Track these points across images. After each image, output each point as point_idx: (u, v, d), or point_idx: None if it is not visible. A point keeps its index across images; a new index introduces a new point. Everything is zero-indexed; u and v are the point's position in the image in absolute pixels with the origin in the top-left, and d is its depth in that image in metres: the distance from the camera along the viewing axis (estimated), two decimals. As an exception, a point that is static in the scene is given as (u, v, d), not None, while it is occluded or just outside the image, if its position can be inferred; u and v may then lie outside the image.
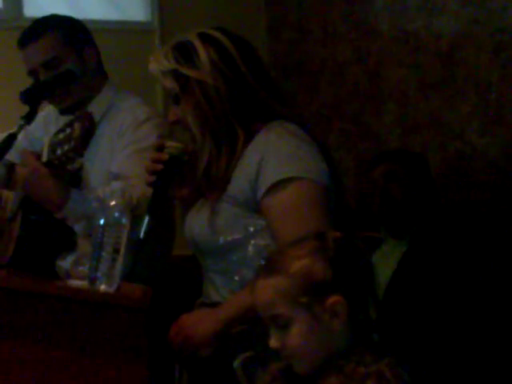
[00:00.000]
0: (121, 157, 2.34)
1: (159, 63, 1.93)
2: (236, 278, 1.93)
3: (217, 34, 1.95)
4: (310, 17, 3.79)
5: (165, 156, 1.94)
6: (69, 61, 2.38)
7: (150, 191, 2.11)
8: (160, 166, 1.94)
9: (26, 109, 2.21)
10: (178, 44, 1.94)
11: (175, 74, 1.92)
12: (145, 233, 1.86)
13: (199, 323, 1.90)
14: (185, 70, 1.91)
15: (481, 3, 3.19)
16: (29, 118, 2.17)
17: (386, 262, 2.80)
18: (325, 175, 1.90)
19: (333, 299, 1.51)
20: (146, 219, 1.88)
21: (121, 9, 3.81)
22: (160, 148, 1.97)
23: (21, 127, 2.15)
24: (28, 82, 2.43)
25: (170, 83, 1.93)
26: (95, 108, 2.37)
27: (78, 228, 2.15)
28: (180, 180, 1.98)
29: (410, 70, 3.43)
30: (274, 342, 1.56)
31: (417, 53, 3.39)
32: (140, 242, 1.83)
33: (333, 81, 3.69)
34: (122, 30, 3.73)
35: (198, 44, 1.92)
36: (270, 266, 1.58)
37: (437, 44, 3.32)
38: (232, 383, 1.78)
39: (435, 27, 3.32)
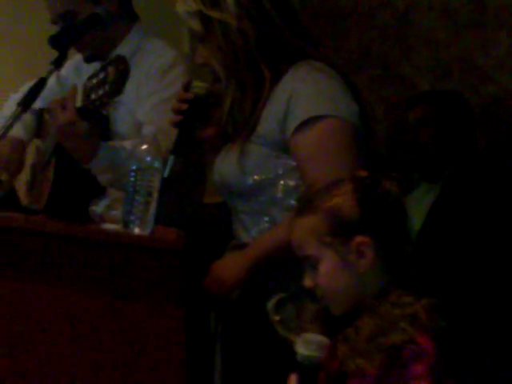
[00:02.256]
0: (147, 106, 2.33)
1: (185, 3, 1.92)
2: (265, 218, 1.93)
3: None
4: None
5: (190, 95, 1.94)
6: (85, 11, 2.35)
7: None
8: (185, 106, 1.93)
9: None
10: None
11: (200, 16, 1.91)
12: (169, 172, 1.87)
13: (230, 265, 1.91)
14: (209, 11, 1.89)
15: None
16: (58, 62, 2.16)
17: (419, 206, 2.78)
18: (355, 114, 1.88)
19: (359, 239, 1.52)
20: (171, 158, 1.89)
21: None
22: (186, 88, 1.96)
23: (50, 72, 2.14)
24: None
25: (195, 24, 1.92)
26: (122, 52, 2.34)
27: (102, 179, 2.16)
28: (205, 120, 1.97)
29: (440, 14, 3.37)
30: (307, 282, 1.58)
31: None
32: (165, 180, 1.82)
33: (362, 25, 3.64)
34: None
35: None
36: (304, 205, 1.58)
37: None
38: (266, 328, 1.79)
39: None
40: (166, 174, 1.86)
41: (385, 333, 1.46)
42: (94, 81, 2.00)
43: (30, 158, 2.53)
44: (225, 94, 1.92)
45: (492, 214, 2.68)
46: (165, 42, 2.46)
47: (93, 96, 2.00)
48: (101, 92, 1.96)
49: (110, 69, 1.94)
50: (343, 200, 1.53)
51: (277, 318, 1.76)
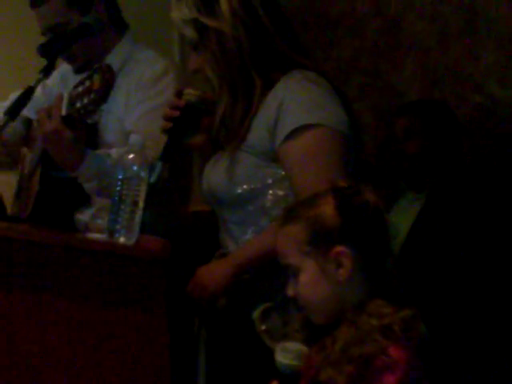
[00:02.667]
0: (135, 114, 2.33)
1: (180, 11, 1.93)
2: (253, 228, 1.93)
3: None
4: (328, -31, 3.73)
5: (182, 102, 1.94)
6: (74, 24, 2.35)
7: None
8: (176, 113, 1.94)
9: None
10: None
11: (195, 23, 1.91)
12: (156, 178, 1.87)
13: (213, 271, 1.91)
14: (204, 19, 1.90)
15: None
16: (46, 71, 2.16)
17: (405, 215, 2.78)
18: (344, 124, 1.89)
19: (337, 249, 1.52)
20: (159, 164, 1.89)
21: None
22: (178, 95, 1.97)
23: (39, 81, 2.15)
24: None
25: (189, 32, 1.93)
26: (112, 61, 2.34)
27: (88, 187, 2.15)
28: (196, 128, 1.98)
29: (429, 22, 3.37)
30: (289, 291, 1.58)
31: (439, 4, 3.33)
32: (151, 186, 1.82)
33: (351, 34, 3.65)
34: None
35: None
36: (288, 214, 1.59)
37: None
38: (250, 336, 1.80)
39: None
40: (152, 180, 1.85)
41: (358, 343, 1.46)
42: (80, 89, 2.00)
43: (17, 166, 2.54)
44: (217, 101, 1.93)
45: (476, 224, 2.68)
46: (155, 51, 2.47)
47: (78, 104, 1.99)
48: (86, 100, 1.96)
49: (96, 77, 1.94)
50: (323, 210, 1.53)
51: (263, 327, 1.76)
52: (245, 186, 1.91)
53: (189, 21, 1.92)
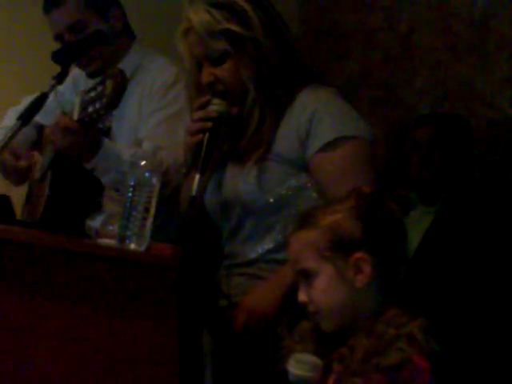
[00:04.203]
0: (151, 124, 2.33)
1: (207, 23, 1.92)
2: (279, 233, 1.94)
3: None
4: (341, -17, 3.75)
5: (213, 114, 1.94)
6: (93, 24, 2.36)
7: (177, 160, 2.17)
8: (209, 124, 1.94)
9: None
10: (221, 3, 1.94)
11: (226, 34, 1.92)
12: (196, 191, 1.88)
13: (265, 297, 1.89)
14: (238, 29, 1.91)
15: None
16: (60, 78, 2.17)
17: (415, 229, 2.78)
18: (372, 135, 1.95)
19: (358, 255, 1.52)
20: (197, 177, 1.89)
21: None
22: (203, 106, 1.97)
23: (52, 87, 2.15)
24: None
25: (217, 44, 1.93)
26: (123, 68, 2.34)
27: (106, 179, 2.15)
28: (226, 138, 1.98)
29: (441, 37, 3.37)
30: (301, 297, 1.57)
31: (449, 19, 3.34)
32: (193, 199, 1.87)
33: (363, 48, 3.65)
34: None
35: (244, 4, 1.93)
36: (304, 219, 1.59)
37: (470, 10, 3.26)
38: (258, 348, 1.83)
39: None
40: (193, 193, 1.88)
41: (381, 353, 1.46)
42: (92, 94, 2.00)
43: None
44: (250, 111, 1.95)
45: (487, 239, 2.67)
46: (166, 58, 2.47)
47: (90, 109, 2.00)
48: (98, 105, 1.96)
49: (108, 82, 1.94)
50: (345, 216, 1.54)
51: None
52: (277, 194, 1.93)
53: (218, 32, 1.92)
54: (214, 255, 2.13)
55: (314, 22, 3.83)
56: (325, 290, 1.55)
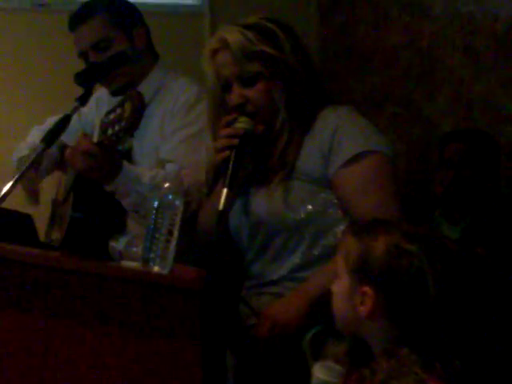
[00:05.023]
0: (172, 143, 2.33)
1: (242, 44, 1.95)
2: (315, 249, 1.96)
3: (280, 22, 2.01)
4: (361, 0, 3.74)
5: (240, 131, 1.95)
6: (118, 42, 2.37)
7: (199, 179, 2.17)
8: (236, 141, 1.95)
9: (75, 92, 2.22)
10: (253, 26, 1.97)
11: (260, 55, 1.95)
12: (224, 205, 1.88)
13: (290, 309, 1.90)
14: (272, 51, 1.94)
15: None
16: (83, 99, 2.18)
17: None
18: (393, 150, 1.98)
19: (365, 289, 1.51)
20: (225, 192, 1.90)
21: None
22: (230, 123, 1.97)
23: (75, 109, 2.16)
24: (79, 66, 2.43)
25: (251, 65, 1.95)
26: (146, 88, 2.36)
27: (127, 202, 2.15)
28: (252, 156, 1.98)
29: (463, 53, 3.36)
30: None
31: (471, 36, 3.32)
32: (221, 214, 1.87)
33: (384, 64, 3.64)
34: (171, 13, 3.72)
35: (273, 27, 1.97)
36: (358, 227, 1.58)
37: (492, 26, 3.24)
38: (285, 364, 1.82)
39: (491, 9, 3.24)
40: (220, 208, 1.88)
41: (398, 376, 1.44)
42: (111, 116, 2.01)
43: (52, 192, 2.54)
44: (280, 131, 1.97)
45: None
46: (188, 78, 2.47)
47: (109, 131, 2.01)
48: (117, 127, 1.97)
49: (127, 104, 1.95)
50: (377, 246, 1.51)
51: (310, 353, 1.73)
52: (302, 212, 1.94)
53: (252, 53, 1.95)
54: (236, 276, 2.12)
55: (333, 41, 3.82)
56: (337, 297, 1.57)
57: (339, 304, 1.57)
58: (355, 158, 1.92)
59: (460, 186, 2.86)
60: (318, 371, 1.54)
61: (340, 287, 1.56)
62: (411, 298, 1.48)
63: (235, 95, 1.98)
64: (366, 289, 1.51)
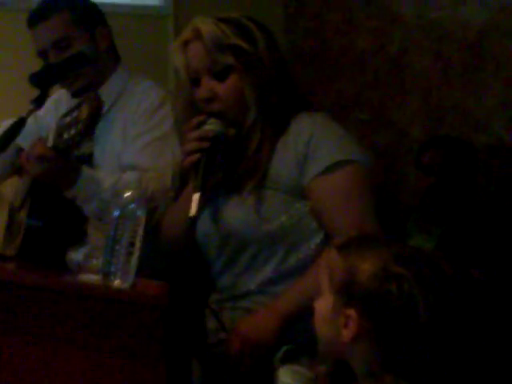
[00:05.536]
0: (136, 147, 2.26)
1: (215, 35, 1.89)
2: (288, 259, 1.89)
3: (255, 20, 1.95)
4: (329, 4, 3.69)
5: (210, 133, 1.88)
6: (80, 41, 2.29)
7: (164, 184, 2.10)
8: (206, 144, 1.87)
9: (31, 93, 2.13)
10: (228, 19, 1.92)
11: (233, 49, 1.89)
12: (196, 210, 1.81)
13: (261, 326, 1.83)
14: (246, 46, 1.89)
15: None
16: (39, 101, 2.10)
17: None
18: (371, 159, 1.92)
19: (349, 312, 1.41)
20: (198, 196, 1.82)
21: (134, -8, 3.73)
22: (199, 125, 1.91)
23: (30, 111, 2.09)
24: (36, 65, 2.34)
25: (223, 57, 1.89)
26: (108, 91, 2.29)
27: (89, 209, 2.07)
28: (218, 164, 1.91)
29: (433, 60, 3.32)
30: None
31: (441, 42, 3.29)
32: (193, 219, 1.81)
33: (352, 70, 3.60)
34: (135, 14, 3.65)
35: (249, 23, 1.92)
36: (344, 244, 1.47)
37: (463, 34, 3.21)
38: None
39: (462, 16, 3.21)
40: (192, 213, 1.81)
41: None
42: (68, 119, 1.94)
43: (8, 197, 2.44)
44: (251, 131, 1.90)
45: (490, 275, 2.59)
46: (151, 81, 2.39)
47: (65, 135, 1.92)
48: (73, 131, 1.89)
49: (84, 107, 1.87)
50: (365, 268, 1.40)
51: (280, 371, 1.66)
52: (275, 224, 1.88)
53: (226, 46, 1.88)
54: (202, 289, 2.04)
55: (301, 45, 3.77)
56: (319, 316, 1.47)
57: (321, 323, 1.46)
58: (331, 168, 1.85)
59: (438, 192, 2.83)
60: (284, 375, 1.48)
61: (323, 305, 1.46)
62: (399, 324, 1.39)
63: (204, 88, 1.91)
64: (351, 312, 1.41)
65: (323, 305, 1.46)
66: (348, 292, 1.41)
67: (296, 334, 1.75)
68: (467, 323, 1.39)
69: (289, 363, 1.64)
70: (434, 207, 2.86)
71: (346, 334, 1.41)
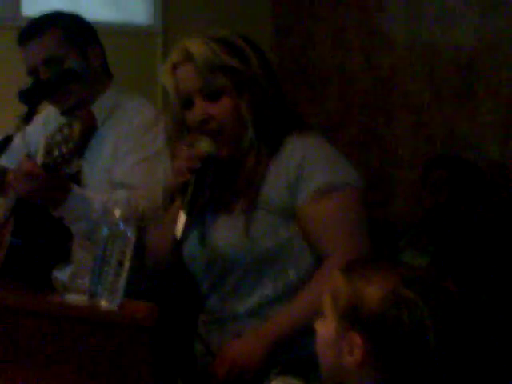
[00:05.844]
0: (126, 164, 2.22)
1: (207, 56, 1.84)
2: (279, 282, 1.85)
3: (246, 37, 1.91)
4: (319, 23, 3.68)
5: (202, 153, 1.84)
6: (71, 59, 2.25)
7: (155, 202, 2.05)
8: (197, 164, 1.84)
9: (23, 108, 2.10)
10: (220, 39, 1.87)
11: (226, 70, 1.84)
12: (182, 232, 1.79)
13: (250, 351, 1.79)
14: (239, 66, 1.84)
15: (501, 14, 3.09)
16: (27, 118, 2.07)
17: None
18: (363, 181, 1.88)
19: (353, 336, 1.36)
20: (184, 218, 1.79)
21: (123, 11, 3.72)
22: (191, 144, 1.87)
23: (18, 128, 2.05)
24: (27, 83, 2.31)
25: (216, 78, 1.84)
26: (99, 109, 2.24)
27: (77, 229, 2.02)
28: (208, 184, 1.87)
29: (423, 80, 3.32)
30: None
31: (432, 64, 3.28)
32: (177, 242, 1.79)
33: (341, 89, 3.58)
34: (124, 32, 3.64)
35: (242, 43, 1.87)
36: (348, 267, 1.43)
37: (455, 56, 3.21)
38: None
39: (453, 38, 3.21)
40: (178, 236, 1.79)
41: None
42: (58, 137, 1.88)
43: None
44: (247, 152, 1.86)
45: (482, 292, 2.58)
46: (143, 99, 2.36)
47: (55, 153, 1.87)
48: (64, 149, 1.84)
49: (76, 124, 1.83)
50: (372, 293, 1.36)
51: None
52: (265, 246, 1.84)
53: (218, 66, 1.84)
54: (190, 309, 2.00)
55: (289, 64, 3.75)
56: (321, 340, 1.43)
57: (324, 347, 1.42)
58: (323, 191, 1.81)
59: (441, 211, 2.82)
60: None
61: (325, 329, 1.41)
62: (408, 350, 1.35)
63: (198, 110, 1.87)
64: (356, 337, 1.36)
65: (326, 328, 1.41)
66: (353, 316, 1.37)
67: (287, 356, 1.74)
68: (474, 348, 1.36)
69: (282, 375, 1.62)
70: (436, 225, 2.85)
71: (352, 360, 1.37)
